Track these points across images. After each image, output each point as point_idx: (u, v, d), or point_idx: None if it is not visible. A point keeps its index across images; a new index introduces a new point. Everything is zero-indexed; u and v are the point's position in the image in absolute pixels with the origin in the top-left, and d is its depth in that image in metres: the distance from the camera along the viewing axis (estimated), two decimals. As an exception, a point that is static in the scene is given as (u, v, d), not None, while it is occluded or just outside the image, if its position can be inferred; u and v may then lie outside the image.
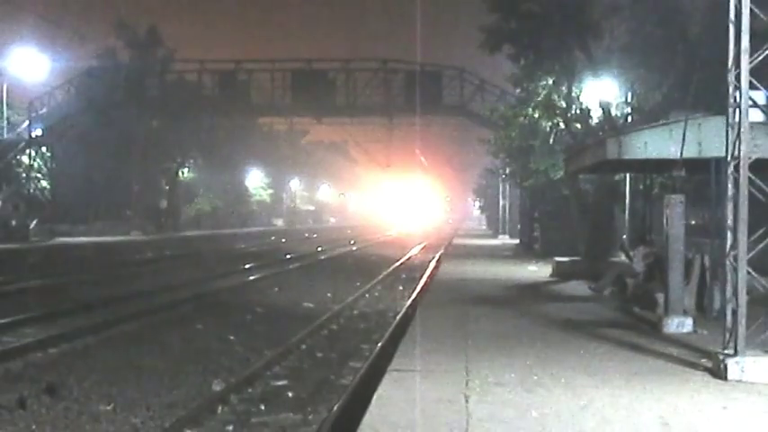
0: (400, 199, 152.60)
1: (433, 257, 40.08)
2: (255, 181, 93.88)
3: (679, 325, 12.81)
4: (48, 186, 50.32)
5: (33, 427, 9.62)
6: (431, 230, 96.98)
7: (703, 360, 10.21)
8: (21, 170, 48.26)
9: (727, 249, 9.53)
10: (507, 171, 46.38)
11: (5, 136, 46.32)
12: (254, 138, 78.72)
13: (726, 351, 9.51)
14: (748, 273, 9.38)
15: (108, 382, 11.96)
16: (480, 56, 30.15)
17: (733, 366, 9.23)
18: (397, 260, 39.86)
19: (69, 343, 14.94)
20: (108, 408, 10.60)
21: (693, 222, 23.30)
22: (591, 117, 28.12)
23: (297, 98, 46.77)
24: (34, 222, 48.00)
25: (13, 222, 47.16)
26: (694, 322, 12.95)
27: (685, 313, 13.09)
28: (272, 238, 67.60)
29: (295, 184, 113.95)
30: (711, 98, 13.12)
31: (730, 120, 9.56)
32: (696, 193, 18.47)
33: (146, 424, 9.96)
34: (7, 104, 46.30)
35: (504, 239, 56.51)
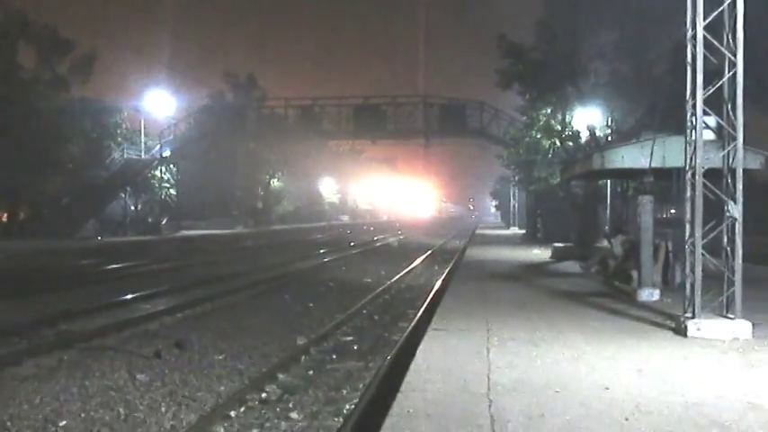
0: (436, 200, 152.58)
1: (461, 243, 39.99)
2: (327, 187, 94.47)
3: (649, 295, 12.68)
4: (174, 193, 51.07)
5: (166, 371, 9.79)
6: (460, 223, 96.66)
7: (668, 322, 10.07)
8: (154, 182, 49.07)
9: (687, 237, 9.40)
10: (516, 178, 46.05)
11: (143, 156, 47.07)
12: (325, 155, 79.13)
13: (686, 314, 9.39)
14: (703, 255, 9.26)
15: (220, 338, 12.14)
16: (496, 91, 30.12)
17: (692, 326, 9.11)
18: (435, 246, 39.82)
19: (192, 309, 15.18)
20: (220, 357, 10.75)
21: (659, 216, 22.90)
22: (580, 137, 27.89)
23: (357, 125, 46.96)
24: (165, 220, 48.87)
25: (150, 220, 48.13)
26: (661, 292, 12.80)
27: (654, 286, 12.93)
28: (340, 230, 67.93)
29: (356, 190, 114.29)
30: (673, 122, 12.92)
31: (688, 138, 9.45)
32: (661, 195, 18.14)
33: (248, 369, 10.09)
34: (145, 134, 47.03)
35: (515, 230, 56.17)
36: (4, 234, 39.64)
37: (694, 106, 9.27)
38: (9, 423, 7.49)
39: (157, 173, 48.85)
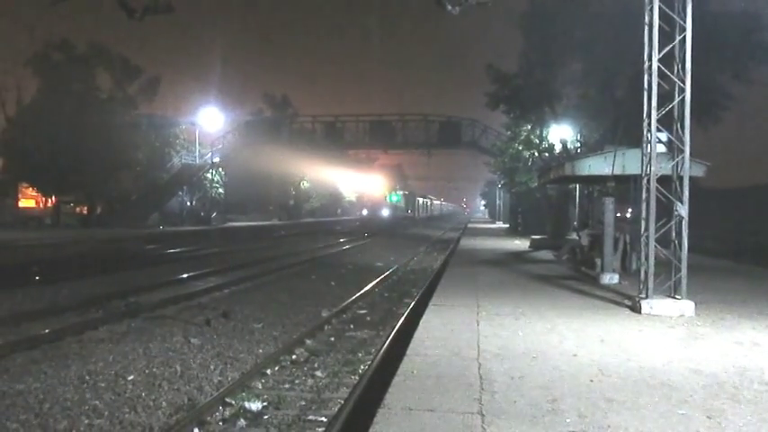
0: (436, 199, 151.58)
1: (456, 235, 39.84)
2: (347, 188, 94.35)
3: (610, 278, 12.59)
4: (222, 192, 51.24)
5: (215, 336, 9.82)
6: (455, 218, 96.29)
7: (626, 301, 10.00)
8: (206, 182, 49.17)
9: (642, 231, 9.34)
10: (502, 182, 45.87)
11: (197, 162, 47.19)
12: (345, 162, 79.02)
13: (640, 295, 9.32)
14: (655, 246, 9.20)
15: (259, 310, 12.17)
16: (486, 110, 29.94)
17: (645, 305, 9.04)
18: (434, 237, 39.71)
19: (236, 286, 15.23)
20: (259, 326, 10.78)
21: (619, 214, 22.73)
22: (554, 149, 27.75)
23: (372, 138, 46.83)
24: (214, 213, 49.04)
25: (202, 213, 48.31)
26: (620, 277, 12.70)
27: (614, 271, 12.84)
28: (356, 223, 67.86)
29: (370, 189, 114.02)
30: (631, 137, 12.82)
31: (644, 151, 9.36)
32: (621, 197, 17.98)
33: (281, 335, 10.11)
34: (198, 143, 47.15)
35: (500, 225, 55.91)
36: (84, 224, 40.03)
37: (649, 124, 9.20)
38: (87, 377, 7.52)
39: (209, 175, 48.95)
